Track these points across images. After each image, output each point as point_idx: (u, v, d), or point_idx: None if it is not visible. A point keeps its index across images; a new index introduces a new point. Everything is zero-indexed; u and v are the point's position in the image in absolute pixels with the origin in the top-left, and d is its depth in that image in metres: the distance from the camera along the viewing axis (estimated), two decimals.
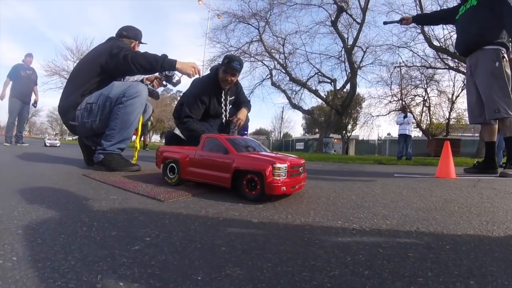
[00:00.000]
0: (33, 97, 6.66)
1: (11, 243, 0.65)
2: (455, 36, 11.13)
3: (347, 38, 13.63)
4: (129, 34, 2.40)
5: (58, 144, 7.22)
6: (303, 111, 17.23)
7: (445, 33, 11.29)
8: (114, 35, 2.39)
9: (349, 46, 13.21)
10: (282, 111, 35.81)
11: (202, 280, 0.53)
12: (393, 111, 17.89)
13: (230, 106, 2.95)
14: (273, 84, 15.84)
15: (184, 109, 2.60)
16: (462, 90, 16.26)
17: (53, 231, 0.74)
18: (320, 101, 17.85)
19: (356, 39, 13.02)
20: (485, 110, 2.85)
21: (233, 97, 3.01)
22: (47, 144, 7.01)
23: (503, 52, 2.74)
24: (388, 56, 20.16)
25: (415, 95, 17.60)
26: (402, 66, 14.61)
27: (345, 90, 15.85)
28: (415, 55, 13.60)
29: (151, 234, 0.77)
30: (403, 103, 16.20)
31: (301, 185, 1.39)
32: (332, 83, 15.92)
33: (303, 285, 0.53)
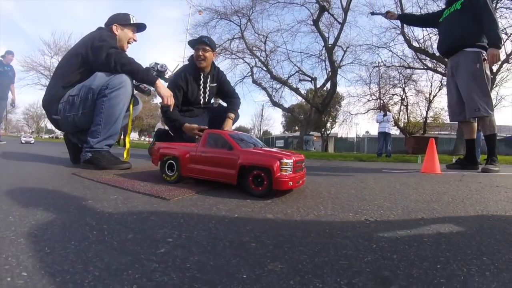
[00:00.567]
0: (10, 96, 6.29)
1: (16, 255, 0.56)
2: (434, 37, 11.57)
3: (328, 37, 13.87)
4: (113, 19, 2.23)
5: (32, 141, 8.12)
6: (283, 108, 17.37)
7: (424, 34, 11.77)
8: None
9: (330, 46, 13.42)
10: (262, 109, 35.78)
11: (248, 278, 0.50)
12: (371, 109, 18.48)
13: (209, 91, 2.95)
14: (254, 81, 15.80)
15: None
16: (439, 90, 17.14)
17: (60, 238, 0.67)
18: (300, 99, 18.10)
19: (337, 39, 13.28)
20: (466, 109, 2.98)
21: (215, 84, 3.01)
22: (22, 141, 7.91)
23: (483, 54, 2.87)
24: (367, 56, 20.67)
25: (393, 94, 18.30)
26: (381, 65, 15.09)
27: (325, 88, 16.14)
28: (394, 55, 14.09)
29: (172, 235, 0.72)
30: (382, 102, 16.76)
31: (303, 180, 1.41)
32: (313, 82, 16.15)
33: (345, 271, 0.55)
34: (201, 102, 2.95)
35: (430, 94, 17.96)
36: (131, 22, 2.23)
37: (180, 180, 1.44)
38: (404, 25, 3.62)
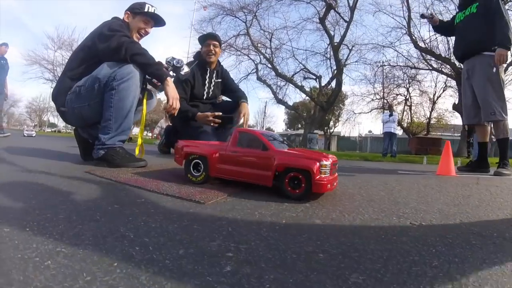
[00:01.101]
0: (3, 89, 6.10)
1: (46, 286, 0.43)
2: (440, 38, 11.43)
3: (333, 36, 13.68)
4: (129, 6, 2.09)
5: (34, 135, 8.75)
6: (288, 106, 17.24)
7: (430, 34, 11.61)
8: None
9: (336, 44, 13.24)
10: (265, 106, 35.63)
11: None
12: (375, 109, 18.35)
13: (213, 86, 3.03)
14: (259, 78, 15.64)
15: None
16: (443, 91, 16.96)
17: (97, 258, 0.53)
18: (303, 96, 17.93)
19: (343, 37, 13.07)
20: (482, 112, 2.96)
21: (219, 80, 3.10)
22: (25, 134, 8.60)
23: None
24: (373, 55, 20.52)
25: (397, 94, 18.14)
26: (386, 65, 14.93)
27: (329, 87, 15.97)
28: (400, 55, 13.92)
29: (229, 248, 0.60)
30: (387, 102, 16.62)
31: (336, 182, 1.31)
32: (317, 80, 15.98)
33: (423, 278, 0.53)
34: (204, 97, 2.99)
35: (434, 95, 17.80)
36: (145, 10, 2.08)
37: (207, 180, 1.32)
38: (434, 29, 3.55)
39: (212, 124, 2.75)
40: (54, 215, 0.77)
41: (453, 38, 3.52)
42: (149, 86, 2.13)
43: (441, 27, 3.54)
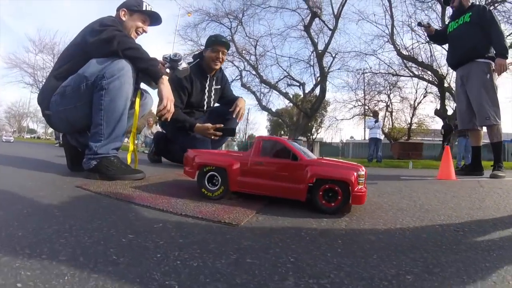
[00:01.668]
0: None
1: None
2: (422, 45, 11.90)
3: (317, 43, 13.88)
4: (123, 3, 1.90)
5: (12, 140, 8.82)
6: (272, 113, 17.24)
7: (413, 42, 12.08)
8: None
9: (320, 51, 13.42)
10: (248, 113, 35.56)
11: None
12: (357, 115, 18.72)
13: (213, 94, 2.80)
14: (243, 85, 15.54)
15: None
16: (424, 97, 17.61)
17: None
18: (286, 103, 18.01)
19: (327, 45, 13.31)
20: (477, 117, 3.06)
21: (219, 86, 2.88)
22: (3, 140, 8.61)
23: (492, 65, 2.98)
24: (355, 63, 20.89)
25: (378, 101, 18.65)
26: (368, 72, 15.31)
27: (313, 93, 16.13)
28: (382, 62, 14.33)
29: (311, 286, 0.44)
30: (368, 108, 17.02)
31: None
32: (301, 86, 16.11)
33: (483, 284, 0.52)
34: (205, 107, 2.78)
35: (415, 101, 18.46)
36: (143, 8, 1.89)
37: (225, 195, 1.14)
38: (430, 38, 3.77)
39: (212, 137, 2.56)
40: (52, 255, 0.56)
41: (435, 45, 3.70)
42: (142, 85, 1.92)
43: (436, 36, 3.62)
